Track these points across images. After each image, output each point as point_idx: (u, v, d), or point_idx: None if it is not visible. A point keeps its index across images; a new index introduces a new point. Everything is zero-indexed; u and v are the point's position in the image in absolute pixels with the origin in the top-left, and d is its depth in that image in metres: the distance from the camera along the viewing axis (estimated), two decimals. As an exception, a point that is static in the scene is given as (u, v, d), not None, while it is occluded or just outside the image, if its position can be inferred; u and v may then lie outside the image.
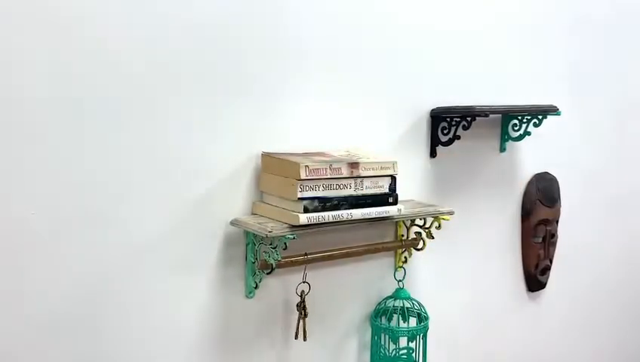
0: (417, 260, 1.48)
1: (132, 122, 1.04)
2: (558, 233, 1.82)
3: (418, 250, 1.42)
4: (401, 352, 1.37)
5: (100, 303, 1.04)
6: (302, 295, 1.21)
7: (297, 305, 1.22)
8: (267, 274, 1.18)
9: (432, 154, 1.48)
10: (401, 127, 1.41)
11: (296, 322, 1.22)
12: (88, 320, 1.04)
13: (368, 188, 1.16)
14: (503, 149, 1.65)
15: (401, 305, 1.38)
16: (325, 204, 1.10)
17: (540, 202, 1.74)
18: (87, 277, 1.03)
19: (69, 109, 0.98)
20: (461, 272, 1.61)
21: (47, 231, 0.98)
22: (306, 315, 1.21)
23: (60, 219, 0.99)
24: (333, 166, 1.11)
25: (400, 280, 1.41)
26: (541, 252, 1.76)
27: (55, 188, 0.98)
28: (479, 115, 1.37)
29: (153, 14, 1.04)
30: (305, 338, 1.20)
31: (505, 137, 1.64)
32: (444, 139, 1.46)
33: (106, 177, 1.02)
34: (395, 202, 1.20)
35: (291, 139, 1.22)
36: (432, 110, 1.46)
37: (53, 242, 0.99)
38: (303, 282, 1.22)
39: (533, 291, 1.82)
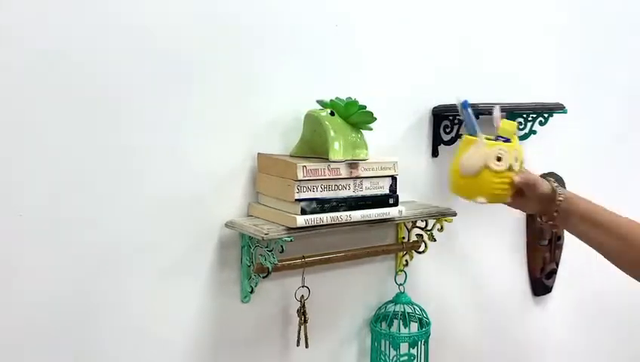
0: (419, 263, 1.49)
1: (122, 121, 1.04)
2: (565, 235, 1.81)
3: (419, 252, 1.42)
4: (402, 359, 1.38)
5: (87, 308, 1.04)
6: (301, 300, 1.22)
7: (298, 311, 1.22)
8: (263, 277, 1.18)
9: (434, 153, 1.48)
10: (402, 126, 1.42)
11: (294, 327, 1.23)
12: (75, 325, 1.04)
13: (368, 189, 1.16)
14: (507, 148, 1.66)
15: (402, 309, 1.38)
16: (323, 205, 1.11)
17: (546, 203, 1.75)
18: (75, 280, 1.03)
19: (56, 110, 0.98)
20: (464, 276, 1.62)
21: (34, 233, 0.98)
22: (306, 321, 1.21)
23: (48, 221, 0.99)
24: (332, 166, 1.12)
25: (401, 284, 1.41)
26: (547, 255, 1.77)
27: (43, 189, 0.98)
28: (482, 113, 1.36)
29: (141, 13, 1.04)
30: (307, 345, 1.21)
31: (510, 136, 1.65)
32: (446, 138, 1.46)
33: (94, 177, 1.03)
34: (396, 203, 1.20)
35: (289, 138, 1.23)
36: (434, 108, 1.46)
37: (40, 244, 0.99)
38: (302, 286, 1.22)
39: (538, 295, 1.82)
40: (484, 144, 1.13)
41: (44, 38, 0.96)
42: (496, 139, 1.16)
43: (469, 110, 1.17)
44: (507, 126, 1.17)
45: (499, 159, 1.13)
